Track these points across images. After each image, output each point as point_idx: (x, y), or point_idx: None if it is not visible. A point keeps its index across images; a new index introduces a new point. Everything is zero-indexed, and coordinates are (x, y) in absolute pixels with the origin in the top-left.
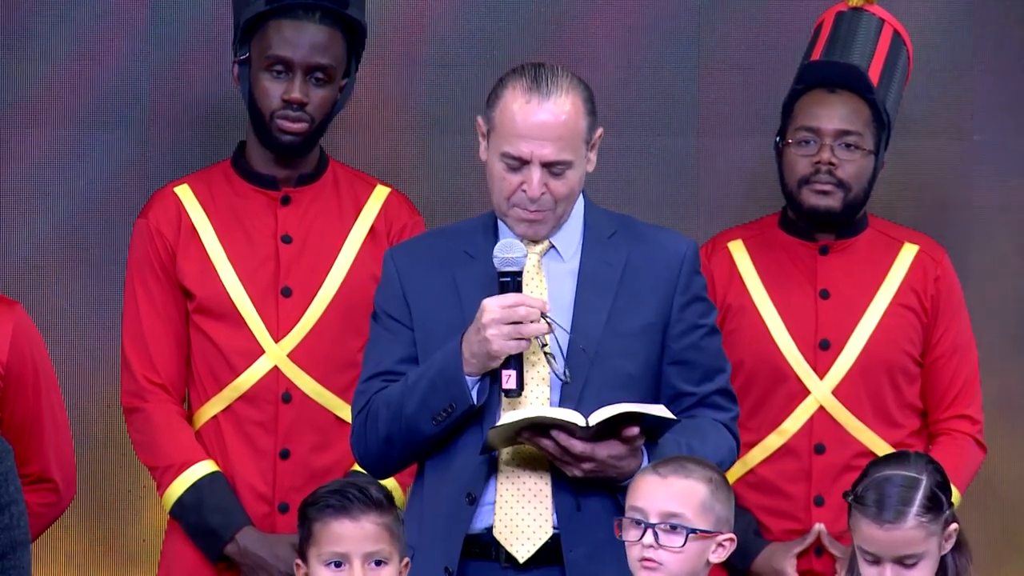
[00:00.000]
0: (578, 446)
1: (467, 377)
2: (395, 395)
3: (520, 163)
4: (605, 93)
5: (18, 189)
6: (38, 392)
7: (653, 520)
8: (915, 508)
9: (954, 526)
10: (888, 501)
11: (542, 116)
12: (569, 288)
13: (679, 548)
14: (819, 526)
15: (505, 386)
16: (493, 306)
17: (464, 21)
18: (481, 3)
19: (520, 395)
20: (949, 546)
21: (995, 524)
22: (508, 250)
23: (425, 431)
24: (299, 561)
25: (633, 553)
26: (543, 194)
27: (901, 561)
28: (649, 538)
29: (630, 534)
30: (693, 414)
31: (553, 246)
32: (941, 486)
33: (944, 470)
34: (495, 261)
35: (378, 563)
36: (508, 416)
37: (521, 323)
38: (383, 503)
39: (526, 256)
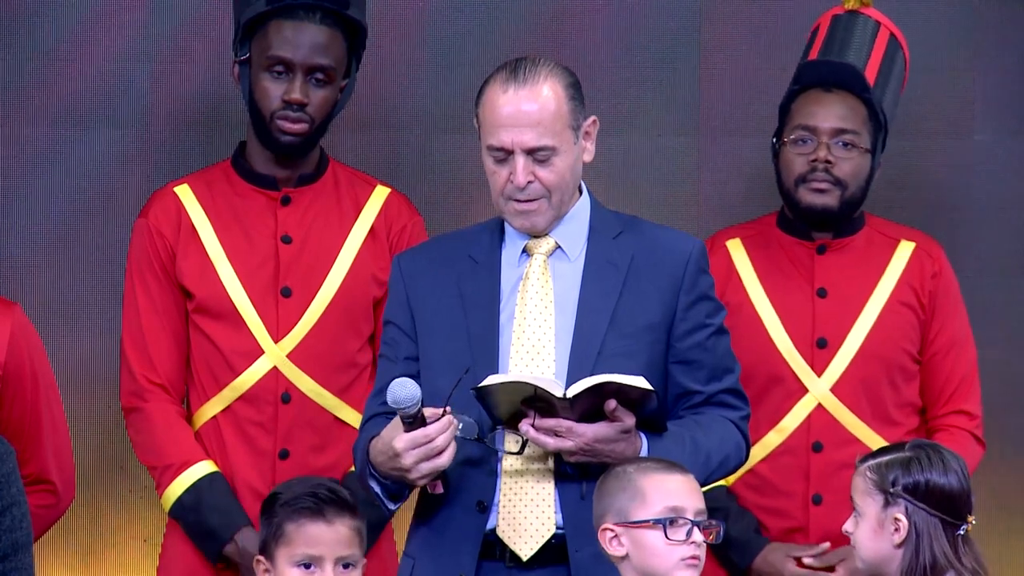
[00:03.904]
0: (551, 423)
1: (377, 485)
2: (359, 453)
3: (505, 154)
4: (605, 93)
5: (15, 187)
6: (36, 393)
7: (693, 517)
8: (872, 461)
9: (902, 520)
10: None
11: (519, 104)
12: (575, 288)
13: (714, 542)
14: (825, 545)
15: (431, 492)
16: (407, 450)
17: (464, 21)
18: (481, 3)
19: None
20: (897, 537)
21: (992, 522)
22: (400, 390)
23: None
24: (260, 557)
25: (678, 553)
26: (531, 182)
27: (853, 505)
28: (698, 535)
29: (677, 534)
30: (701, 411)
31: (559, 246)
32: (909, 483)
33: (939, 482)
34: (388, 399)
35: (347, 566)
36: (492, 379)
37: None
38: (354, 507)
39: (417, 400)
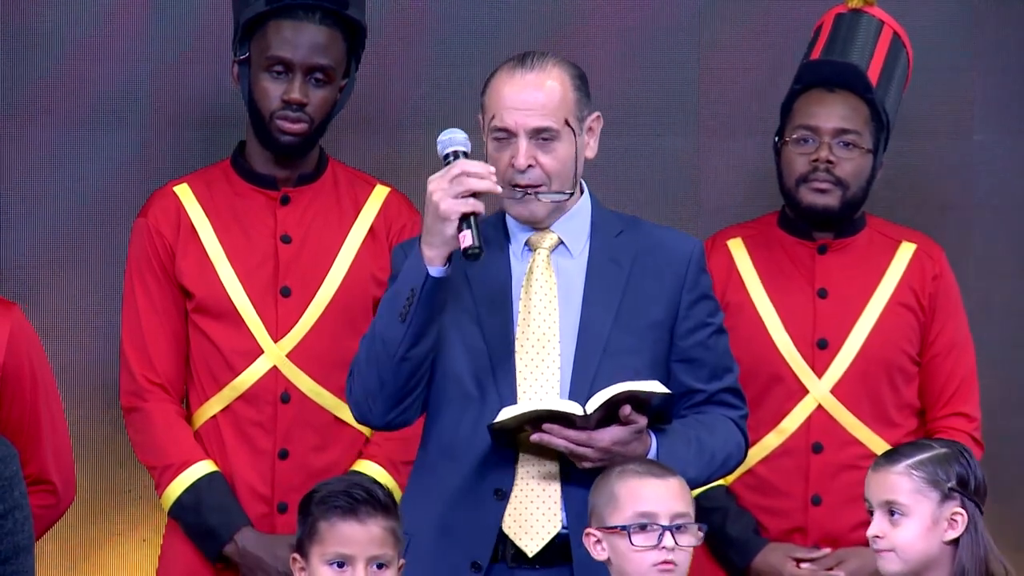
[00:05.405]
0: (572, 434)
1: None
2: (369, 329)
3: (508, 135)
4: (605, 93)
5: (17, 189)
6: (36, 394)
7: (667, 522)
8: (911, 460)
9: (961, 515)
10: (896, 447)
11: (525, 86)
12: (578, 284)
13: (694, 546)
14: (825, 551)
15: (463, 246)
16: (436, 175)
17: (464, 21)
18: (481, 3)
19: (481, 254)
20: (953, 532)
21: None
22: (449, 134)
23: (396, 336)
24: (296, 555)
25: (648, 558)
26: (531, 167)
27: (888, 507)
28: (669, 540)
29: (642, 539)
30: (702, 411)
31: (562, 242)
32: (961, 476)
33: (979, 474)
34: (438, 148)
35: (380, 566)
36: (506, 412)
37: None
38: (389, 507)
39: (467, 142)
